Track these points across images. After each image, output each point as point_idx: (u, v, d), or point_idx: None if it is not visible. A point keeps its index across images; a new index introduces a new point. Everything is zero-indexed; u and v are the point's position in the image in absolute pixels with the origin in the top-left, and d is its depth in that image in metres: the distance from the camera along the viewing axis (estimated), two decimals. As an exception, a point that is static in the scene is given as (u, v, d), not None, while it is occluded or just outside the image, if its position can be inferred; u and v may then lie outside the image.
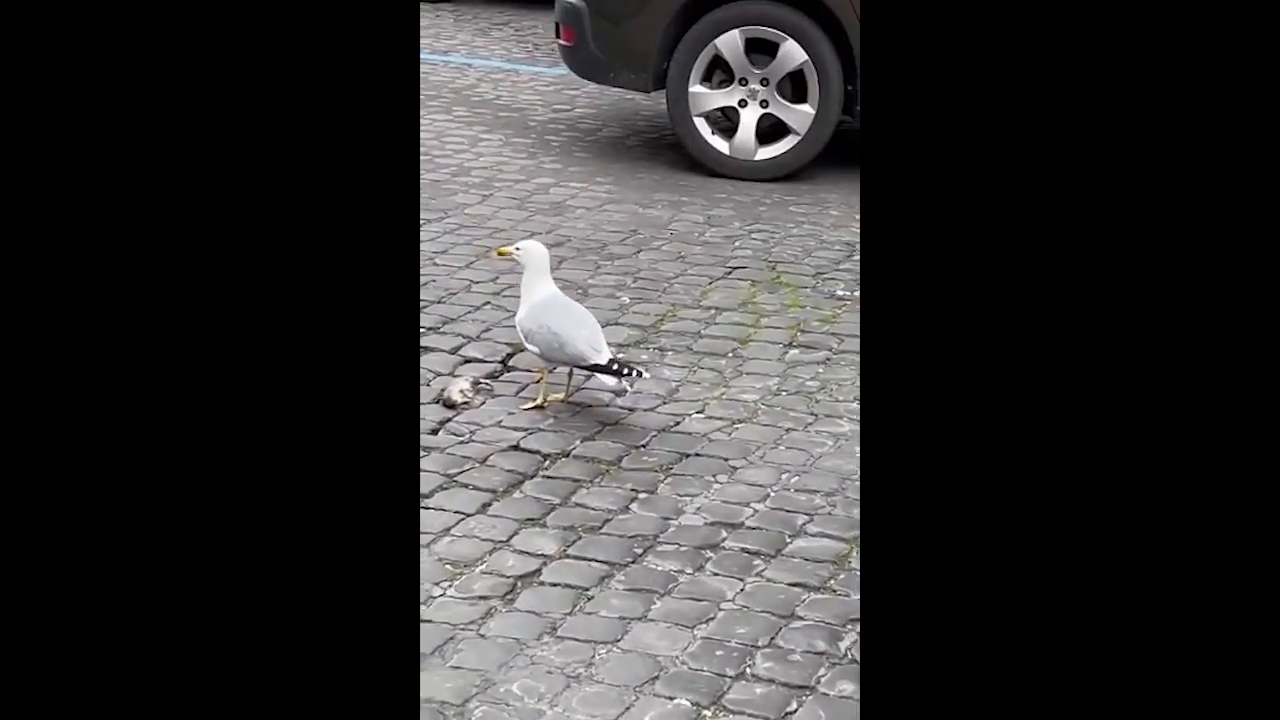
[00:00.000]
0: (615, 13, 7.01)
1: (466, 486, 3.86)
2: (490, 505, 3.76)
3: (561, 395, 4.40)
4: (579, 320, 4.32)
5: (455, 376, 4.55)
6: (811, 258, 5.89)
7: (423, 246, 5.73)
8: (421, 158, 6.98)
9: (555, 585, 3.39)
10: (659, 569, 3.48)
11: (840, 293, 5.44)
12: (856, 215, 6.15)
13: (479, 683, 3.01)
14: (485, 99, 8.52)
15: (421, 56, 9.06)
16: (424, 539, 3.57)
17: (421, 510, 3.71)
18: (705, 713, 2.95)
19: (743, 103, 6.95)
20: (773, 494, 3.88)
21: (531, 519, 3.69)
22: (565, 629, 3.22)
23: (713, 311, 5.22)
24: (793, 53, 6.82)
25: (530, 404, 4.37)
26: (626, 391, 4.30)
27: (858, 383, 4.48)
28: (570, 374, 4.37)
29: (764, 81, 6.91)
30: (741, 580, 3.44)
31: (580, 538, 3.61)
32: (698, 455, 4.09)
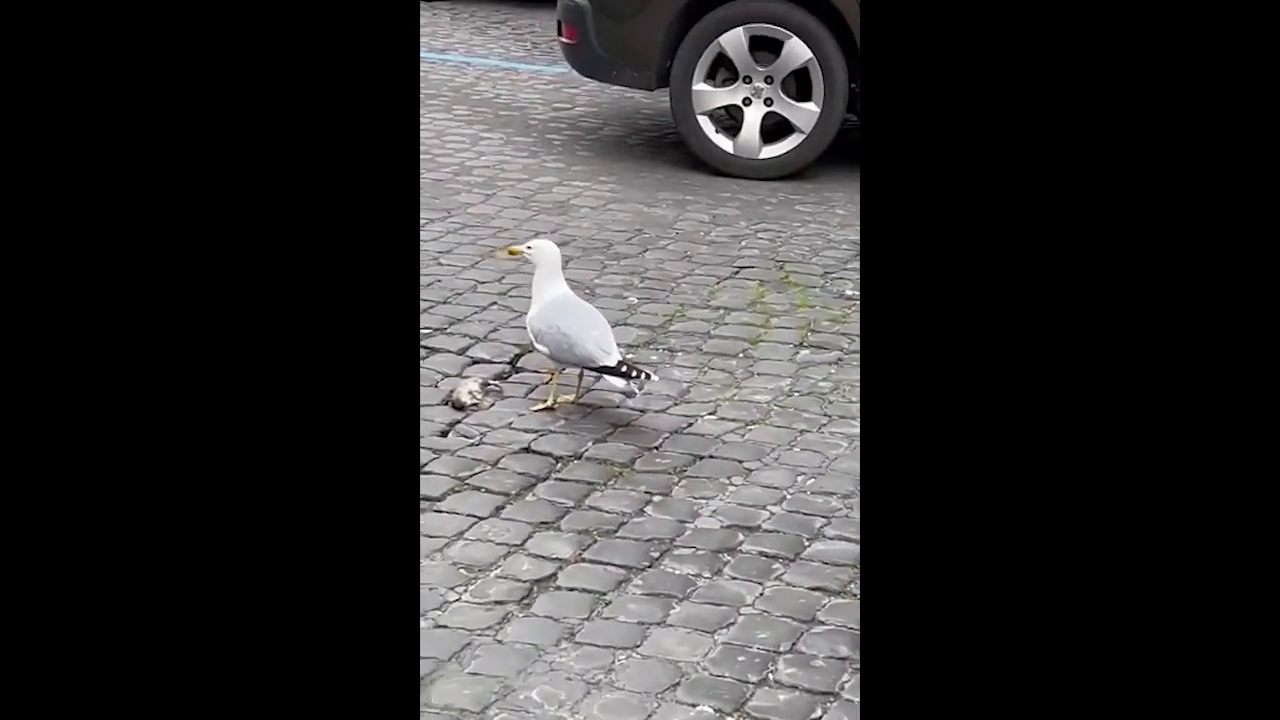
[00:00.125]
0: (618, 10, 6.96)
1: (478, 489, 3.81)
2: (503, 508, 3.71)
3: (572, 397, 4.35)
4: (589, 321, 4.27)
5: (463, 378, 4.50)
6: (819, 257, 5.84)
7: (427, 246, 5.68)
8: (423, 157, 6.93)
9: (572, 590, 3.35)
10: (677, 573, 3.43)
11: (849, 292, 5.39)
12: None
13: (498, 690, 2.96)
14: (485, 97, 8.47)
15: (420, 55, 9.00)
16: (436, 543, 3.52)
17: (433, 514, 3.67)
18: (728, 720, 2.91)
19: (747, 101, 6.90)
20: (789, 497, 3.84)
21: (545, 522, 3.65)
22: (583, 634, 3.17)
23: (721, 311, 5.18)
24: (797, 50, 6.77)
25: (540, 405, 4.32)
26: (635, 394, 4.25)
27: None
28: (581, 375, 4.33)
29: (768, 79, 6.86)
30: (761, 584, 3.39)
31: (595, 541, 3.56)
32: (711, 457, 4.05)
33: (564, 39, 7.21)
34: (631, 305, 5.20)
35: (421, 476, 3.85)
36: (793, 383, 4.58)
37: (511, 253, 4.55)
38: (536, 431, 4.16)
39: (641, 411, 4.32)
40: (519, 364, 4.65)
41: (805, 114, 6.84)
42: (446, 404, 4.33)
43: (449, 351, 4.71)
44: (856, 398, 4.46)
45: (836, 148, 6.94)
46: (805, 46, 6.75)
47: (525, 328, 4.78)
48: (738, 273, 5.62)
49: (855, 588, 3.38)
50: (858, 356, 4.78)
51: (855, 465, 4.00)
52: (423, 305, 5.06)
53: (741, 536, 3.61)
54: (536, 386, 4.47)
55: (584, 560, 3.48)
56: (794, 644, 3.15)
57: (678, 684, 3.00)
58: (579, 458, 4.01)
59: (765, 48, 6.85)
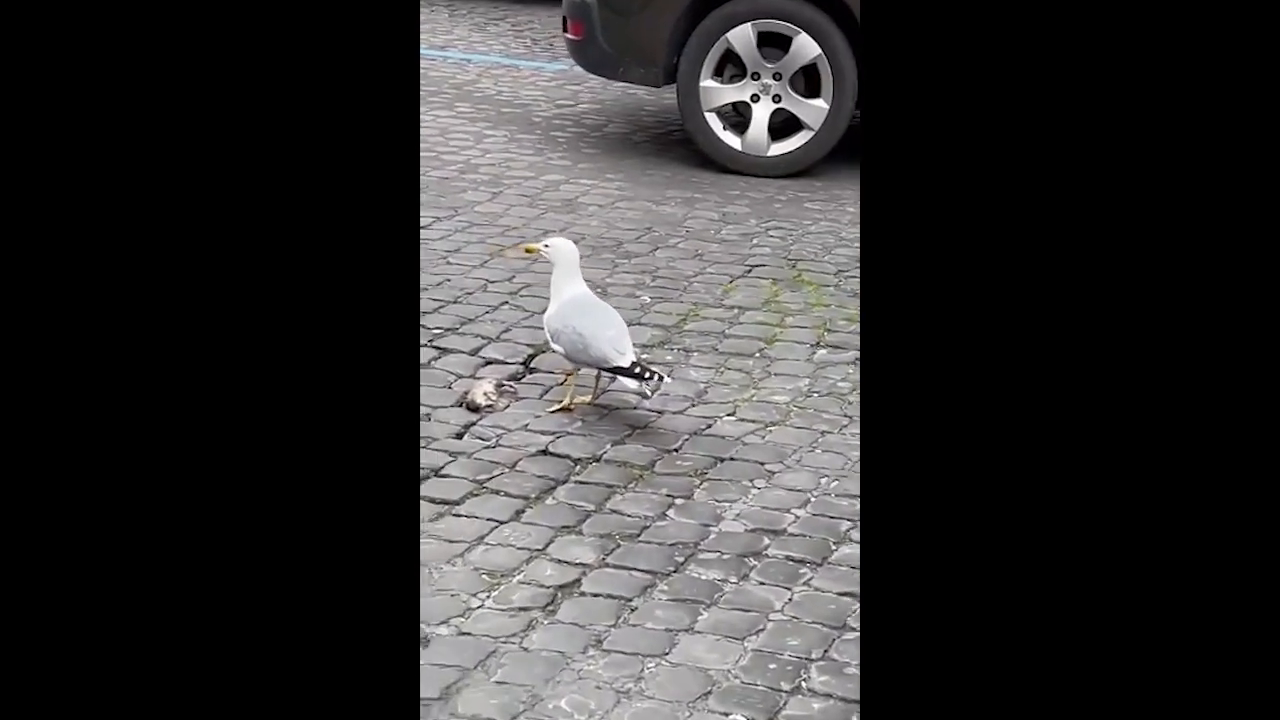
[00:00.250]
0: (624, 6, 6.89)
1: (497, 493, 3.74)
2: (523, 512, 3.65)
3: (588, 397, 4.29)
4: (605, 321, 4.20)
5: (477, 379, 4.44)
6: (831, 255, 5.78)
7: (435, 245, 5.62)
8: (427, 154, 6.87)
9: (597, 595, 3.28)
10: (702, 578, 3.37)
11: (864, 291, 5.33)
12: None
13: (525, 699, 2.90)
14: (487, 95, 8.40)
15: (420, 52, 8.93)
16: (457, 548, 3.46)
17: (452, 517, 3.61)
18: (763, 729, 2.85)
19: (755, 98, 6.84)
20: (813, 499, 3.78)
21: (567, 526, 3.58)
22: (610, 641, 3.11)
23: (735, 311, 5.12)
24: (806, 47, 6.71)
25: (557, 406, 4.25)
26: (648, 396, 4.18)
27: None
28: (598, 376, 4.26)
29: (776, 76, 6.80)
30: (789, 590, 3.33)
31: (619, 546, 3.50)
32: (732, 459, 3.99)
33: (569, 35, 7.14)
34: (644, 305, 5.14)
35: (439, 480, 3.79)
36: (811, 383, 4.52)
37: (528, 251, 4.49)
38: (554, 433, 4.10)
39: (659, 413, 4.26)
40: (532, 364, 4.58)
41: (814, 111, 6.78)
42: (461, 405, 4.26)
43: (461, 352, 4.64)
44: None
45: (846, 145, 6.88)
46: (814, 42, 6.69)
47: (537, 327, 4.75)
48: (750, 271, 5.56)
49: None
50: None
51: (879, 467, 3.94)
52: (433, 305, 5.00)
53: (767, 540, 3.55)
54: (551, 388, 4.41)
55: (608, 565, 3.41)
56: (826, 651, 3.09)
57: (709, 692, 2.94)
58: (598, 460, 3.95)
59: (773, 44, 6.79)
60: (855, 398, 4.42)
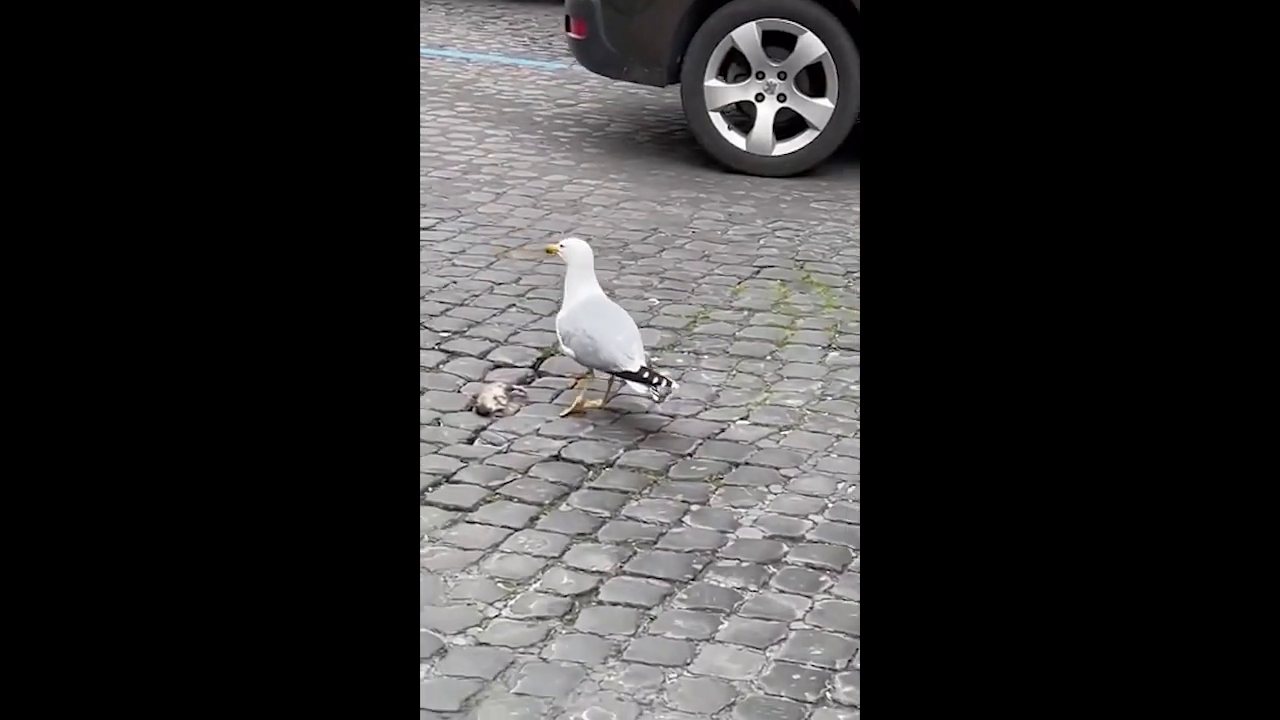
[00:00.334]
0: (628, 5, 6.84)
1: (511, 499, 3.70)
2: (537, 519, 3.60)
3: (599, 401, 4.24)
4: (615, 325, 4.16)
5: (486, 383, 4.39)
6: (839, 256, 5.74)
7: (439, 247, 5.57)
8: (429, 154, 6.82)
9: (615, 604, 3.24)
10: (722, 586, 3.32)
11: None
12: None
13: (546, 711, 2.85)
14: (487, 94, 8.36)
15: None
16: (472, 556, 3.41)
17: (466, 525, 3.56)
18: (788, 742, 2.80)
19: (760, 97, 6.80)
20: (830, 505, 3.73)
21: (582, 534, 3.53)
22: (630, 651, 3.06)
23: (745, 313, 5.07)
24: (811, 45, 6.67)
25: (567, 410, 4.21)
26: (655, 401, 4.13)
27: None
28: (611, 380, 4.21)
29: (781, 75, 6.75)
30: (810, 598, 3.29)
31: (635, 553, 3.45)
32: (747, 464, 3.94)
33: (572, 35, 7.09)
34: (653, 307, 5.09)
35: (450, 486, 3.74)
36: (824, 386, 4.47)
37: (549, 251, 4.45)
38: (565, 438, 4.05)
39: (671, 417, 4.21)
40: (541, 368, 4.53)
41: (819, 110, 6.74)
42: (471, 410, 4.22)
43: (470, 355, 4.59)
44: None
45: (851, 144, 6.83)
46: (819, 41, 6.64)
47: (545, 330, 4.72)
48: (758, 272, 5.51)
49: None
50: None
51: (896, 472, 3.90)
52: (439, 307, 4.95)
53: (785, 547, 3.50)
54: (561, 391, 4.36)
55: (625, 573, 3.37)
56: (850, 661, 3.05)
57: (733, 704, 2.90)
58: (611, 465, 3.90)
59: (778, 43, 6.74)
60: (869, 401, 4.37)
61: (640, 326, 4.49)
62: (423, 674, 2.94)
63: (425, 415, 4.14)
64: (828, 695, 2.94)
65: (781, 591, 3.31)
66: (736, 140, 6.84)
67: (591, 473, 3.86)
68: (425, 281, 5.12)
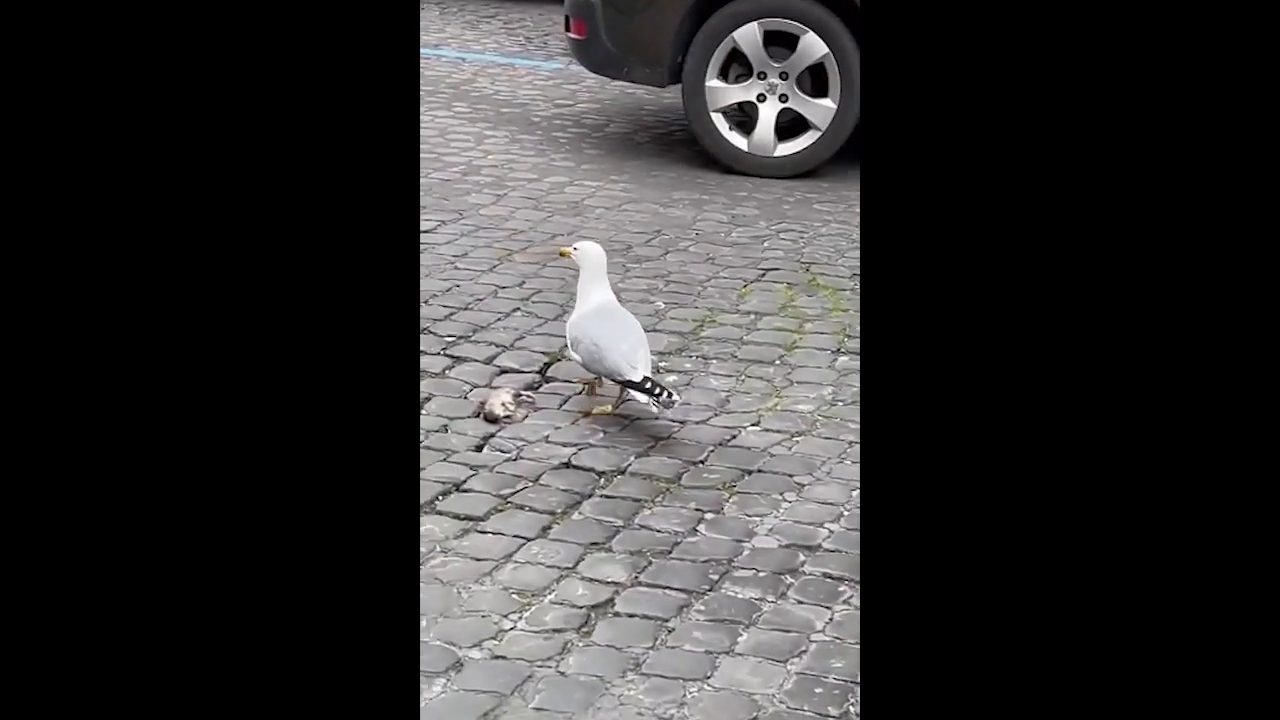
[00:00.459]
0: (629, 5, 6.79)
1: (522, 508, 3.65)
2: (550, 528, 3.55)
3: (609, 407, 4.19)
4: (621, 333, 4.11)
5: (493, 388, 4.33)
6: (845, 258, 5.70)
7: (441, 250, 5.52)
8: (428, 156, 6.77)
9: (632, 616, 3.19)
10: (739, 597, 3.28)
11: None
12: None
13: (566, 727, 2.80)
14: (485, 94, 8.30)
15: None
16: (485, 566, 3.36)
17: (478, 534, 3.51)
18: (813, 757, 2.76)
19: (761, 97, 6.75)
20: (846, 513, 3.69)
21: (596, 543, 3.49)
22: (649, 664, 3.01)
23: (752, 316, 5.03)
24: (813, 46, 6.62)
25: (583, 416, 4.16)
26: (655, 414, 4.07)
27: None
28: (622, 388, 4.17)
29: (783, 75, 6.71)
30: (829, 609, 3.24)
31: (650, 563, 3.41)
32: (760, 472, 3.89)
33: (572, 35, 7.03)
34: (659, 311, 5.04)
35: (461, 495, 3.69)
36: (834, 391, 4.43)
37: (562, 253, 4.41)
38: (575, 445, 4.00)
39: (682, 423, 4.17)
40: (549, 373, 4.49)
41: (821, 110, 6.69)
42: (478, 416, 4.17)
43: (476, 360, 4.55)
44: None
45: (853, 145, 6.79)
46: (821, 41, 6.60)
47: (551, 334, 4.69)
48: (764, 275, 5.47)
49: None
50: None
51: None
52: (443, 311, 4.90)
53: (802, 557, 3.46)
54: (569, 397, 4.31)
55: (640, 584, 3.32)
56: (872, 673, 3.00)
57: (755, 718, 2.85)
58: (622, 473, 3.85)
59: (780, 43, 6.69)
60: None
61: (647, 331, 4.45)
62: (438, 689, 2.90)
63: (432, 422, 4.09)
64: (851, 710, 2.89)
65: (800, 602, 3.26)
66: (738, 141, 6.79)
67: (603, 480, 3.81)
68: (427, 285, 5.07)
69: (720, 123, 6.79)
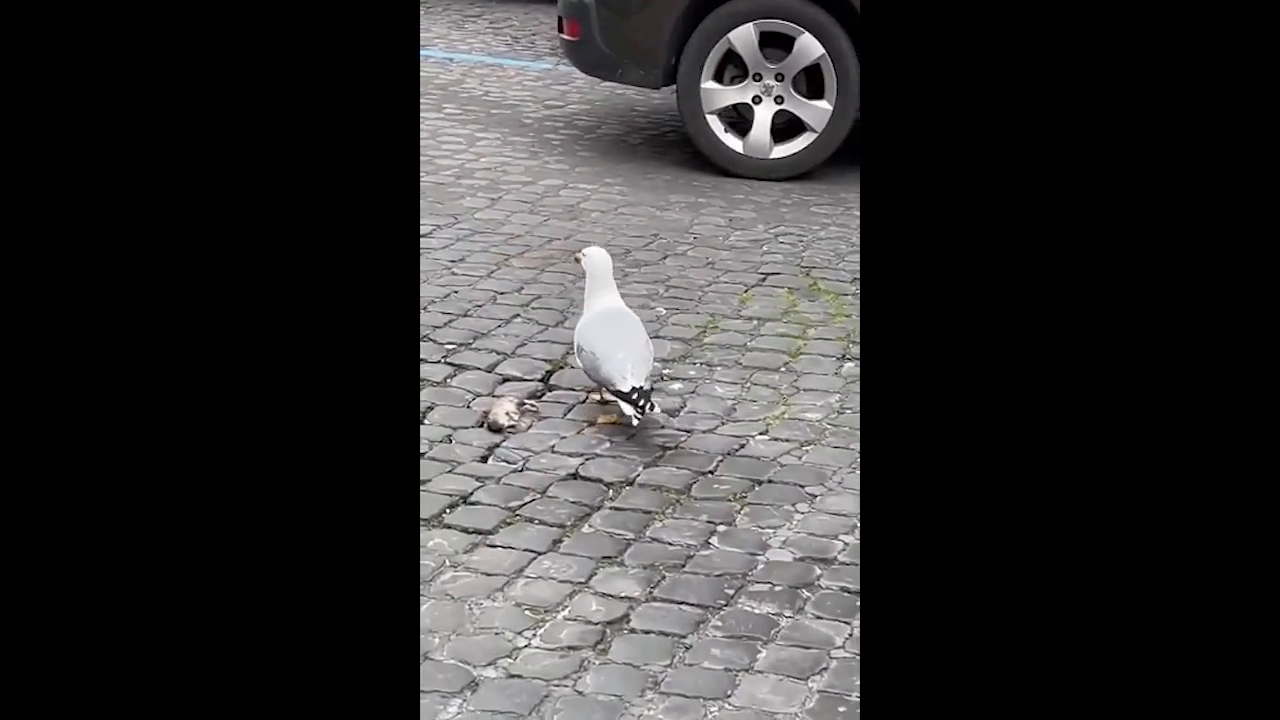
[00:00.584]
0: (623, 6, 6.73)
1: (531, 521, 3.59)
2: (561, 542, 3.49)
3: (615, 416, 4.14)
4: (619, 342, 4.06)
5: (497, 397, 4.27)
6: (845, 262, 5.64)
7: (438, 255, 5.46)
8: (422, 159, 6.69)
9: (648, 633, 3.13)
10: (756, 612, 3.22)
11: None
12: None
13: (587, 748, 2.75)
14: (474, 95, 8.24)
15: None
16: (496, 581, 3.30)
17: (487, 548, 3.45)
18: (840, 779, 2.70)
19: (757, 99, 6.70)
20: (860, 525, 3.63)
21: (608, 557, 3.43)
22: (668, 683, 2.96)
23: (755, 322, 4.97)
24: (809, 47, 6.57)
25: (589, 425, 4.11)
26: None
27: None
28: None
29: (779, 77, 6.65)
30: (848, 624, 3.19)
31: (664, 577, 3.35)
32: (771, 482, 3.84)
33: (565, 36, 6.96)
34: (661, 317, 4.98)
35: (469, 508, 3.64)
36: (842, 399, 4.38)
37: (576, 260, 4.38)
38: (582, 455, 3.94)
39: (688, 432, 4.11)
40: (551, 381, 4.43)
41: (817, 112, 6.64)
42: (483, 426, 4.11)
43: (477, 369, 4.48)
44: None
45: (849, 146, 6.75)
46: (817, 42, 6.55)
47: (552, 341, 4.66)
48: (764, 280, 5.41)
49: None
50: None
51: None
52: (443, 319, 4.84)
53: (818, 570, 3.40)
54: (573, 406, 4.26)
55: (655, 599, 3.26)
56: (895, 691, 2.95)
57: (779, 739, 2.80)
58: (631, 484, 3.80)
59: (776, 44, 6.64)
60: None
61: (651, 338, 4.40)
62: (454, 709, 2.84)
63: (436, 432, 4.03)
64: (876, 728, 2.84)
65: (818, 618, 3.21)
66: (733, 143, 6.74)
67: (611, 492, 3.75)
68: (425, 291, 5.01)
69: (715, 125, 6.73)
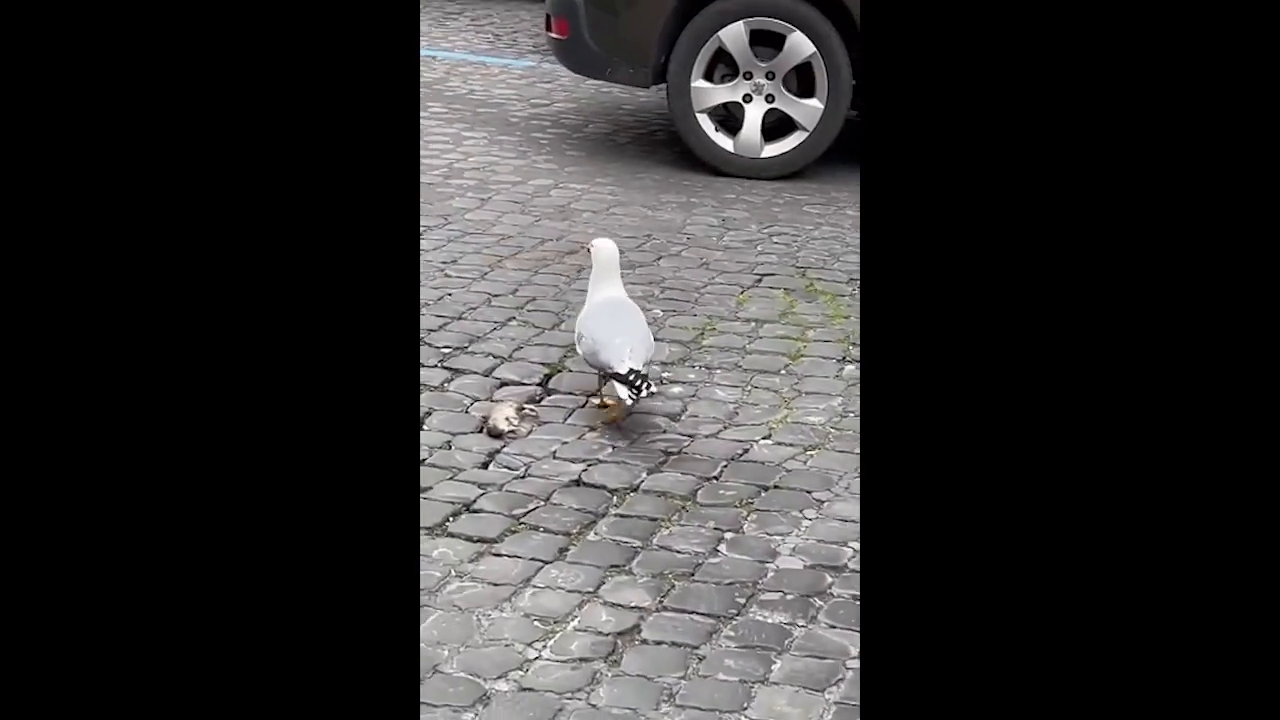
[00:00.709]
0: (612, 4, 6.67)
1: (536, 529, 3.54)
2: (567, 550, 3.45)
3: (614, 407, 4.10)
4: (618, 329, 4.04)
5: (495, 402, 4.22)
6: (840, 262, 5.61)
7: (430, 256, 5.40)
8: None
9: (660, 643, 3.09)
10: (769, 621, 3.18)
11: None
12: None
13: (603, 764, 2.70)
14: (459, 93, 8.18)
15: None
16: (503, 591, 3.25)
17: (493, 558, 3.40)
18: (862, 794, 2.66)
19: (747, 98, 6.65)
20: (861, 532, 3.58)
21: (616, 565, 3.38)
22: (683, 695, 2.91)
23: (753, 324, 4.93)
24: (800, 45, 6.53)
25: (590, 431, 4.07)
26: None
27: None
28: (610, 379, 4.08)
29: (769, 75, 6.61)
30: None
31: (674, 586, 3.30)
32: (777, 488, 3.80)
33: (553, 34, 6.91)
34: (658, 319, 4.94)
35: (472, 516, 3.58)
36: (844, 402, 4.34)
37: (587, 250, 4.35)
38: (584, 461, 3.89)
39: (691, 436, 4.07)
40: (550, 385, 4.38)
41: (808, 111, 6.60)
42: (482, 431, 4.05)
43: (475, 373, 4.43)
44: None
45: (841, 145, 6.71)
46: (808, 41, 6.50)
47: (549, 345, 4.64)
48: (760, 281, 5.37)
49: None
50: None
51: (933, 494, 3.77)
52: (437, 321, 4.79)
53: (829, 578, 3.36)
54: (573, 410, 4.21)
55: (666, 609, 3.22)
56: (914, 702, 2.91)
57: (798, 752, 2.76)
58: (635, 490, 3.75)
59: (766, 42, 6.59)
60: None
61: (649, 338, 4.36)
62: (467, 724, 2.79)
63: (435, 438, 3.98)
64: (896, 741, 2.80)
65: (832, 627, 3.17)
66: (724, 142, 6.69)
67: (616, 498, 3.70)
68: (420, 294, 4.95)
69: (706, 124, 6.68)
